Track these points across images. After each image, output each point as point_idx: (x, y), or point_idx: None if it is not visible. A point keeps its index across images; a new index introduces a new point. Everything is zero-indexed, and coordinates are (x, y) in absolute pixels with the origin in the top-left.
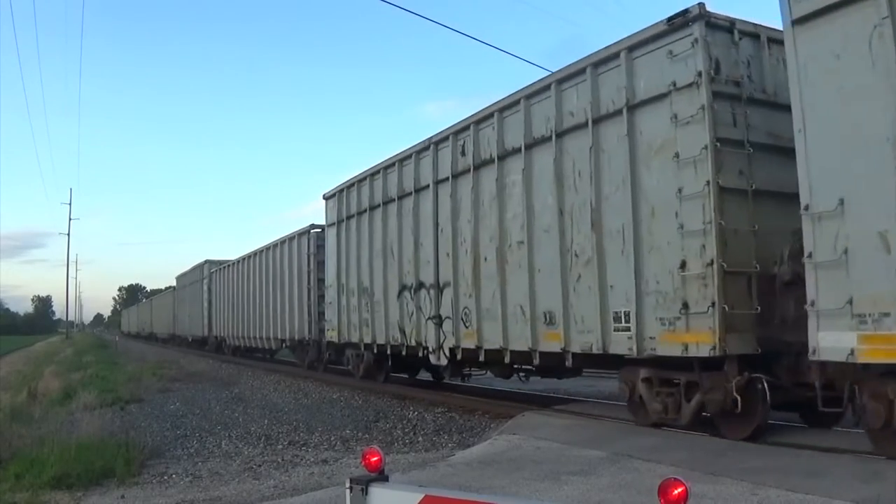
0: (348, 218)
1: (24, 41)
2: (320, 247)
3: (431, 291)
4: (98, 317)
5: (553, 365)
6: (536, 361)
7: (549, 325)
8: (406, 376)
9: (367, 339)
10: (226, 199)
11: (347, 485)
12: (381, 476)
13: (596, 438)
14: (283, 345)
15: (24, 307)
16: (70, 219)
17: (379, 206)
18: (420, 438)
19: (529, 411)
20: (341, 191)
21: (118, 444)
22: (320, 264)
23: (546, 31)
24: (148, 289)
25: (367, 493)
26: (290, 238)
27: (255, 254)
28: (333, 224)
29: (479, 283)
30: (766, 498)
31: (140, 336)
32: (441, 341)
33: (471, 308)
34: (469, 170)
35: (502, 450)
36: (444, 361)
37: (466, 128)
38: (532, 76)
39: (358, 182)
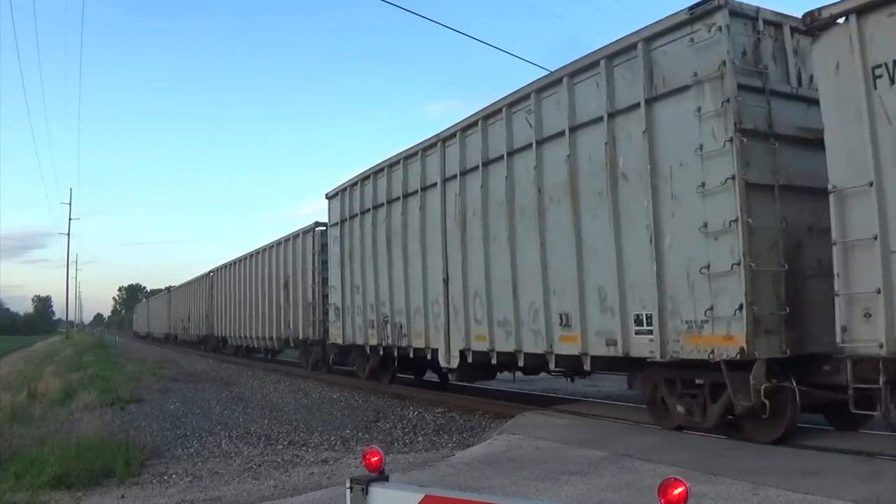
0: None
1: (24, 41)
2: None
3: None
4: (98, 317)
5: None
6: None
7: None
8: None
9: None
10: (227, 199)
11: (348, 485)
12: (381, 476)
13: (596, 438)
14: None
15: (24, 307)
16: (70, 219)
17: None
18: (420, 438)
19: (529, 411)
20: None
21: (118, 444)
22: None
23: (546, 31)
24: (148, 289)
25: (367, 493)
26: None
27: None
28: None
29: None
30: (766, 498)
31: (174, 340)
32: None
33: None
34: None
35: (502, 450)
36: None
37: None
38: (532, 76)
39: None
